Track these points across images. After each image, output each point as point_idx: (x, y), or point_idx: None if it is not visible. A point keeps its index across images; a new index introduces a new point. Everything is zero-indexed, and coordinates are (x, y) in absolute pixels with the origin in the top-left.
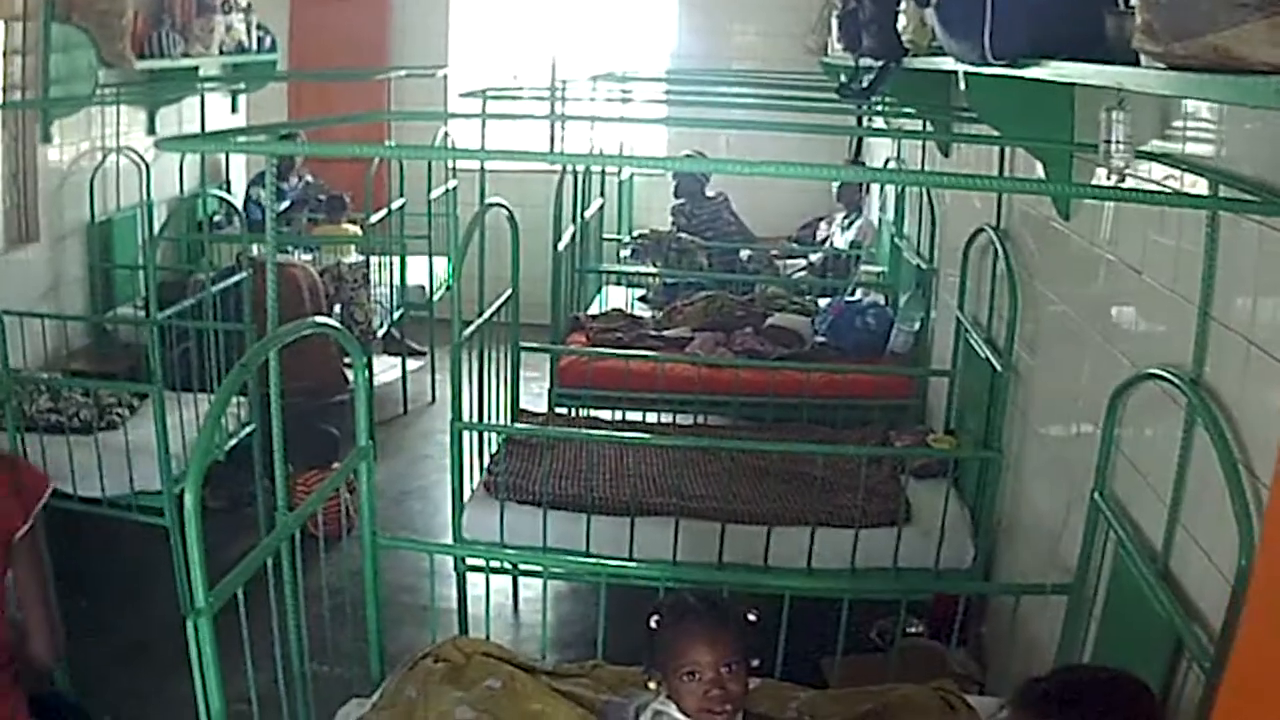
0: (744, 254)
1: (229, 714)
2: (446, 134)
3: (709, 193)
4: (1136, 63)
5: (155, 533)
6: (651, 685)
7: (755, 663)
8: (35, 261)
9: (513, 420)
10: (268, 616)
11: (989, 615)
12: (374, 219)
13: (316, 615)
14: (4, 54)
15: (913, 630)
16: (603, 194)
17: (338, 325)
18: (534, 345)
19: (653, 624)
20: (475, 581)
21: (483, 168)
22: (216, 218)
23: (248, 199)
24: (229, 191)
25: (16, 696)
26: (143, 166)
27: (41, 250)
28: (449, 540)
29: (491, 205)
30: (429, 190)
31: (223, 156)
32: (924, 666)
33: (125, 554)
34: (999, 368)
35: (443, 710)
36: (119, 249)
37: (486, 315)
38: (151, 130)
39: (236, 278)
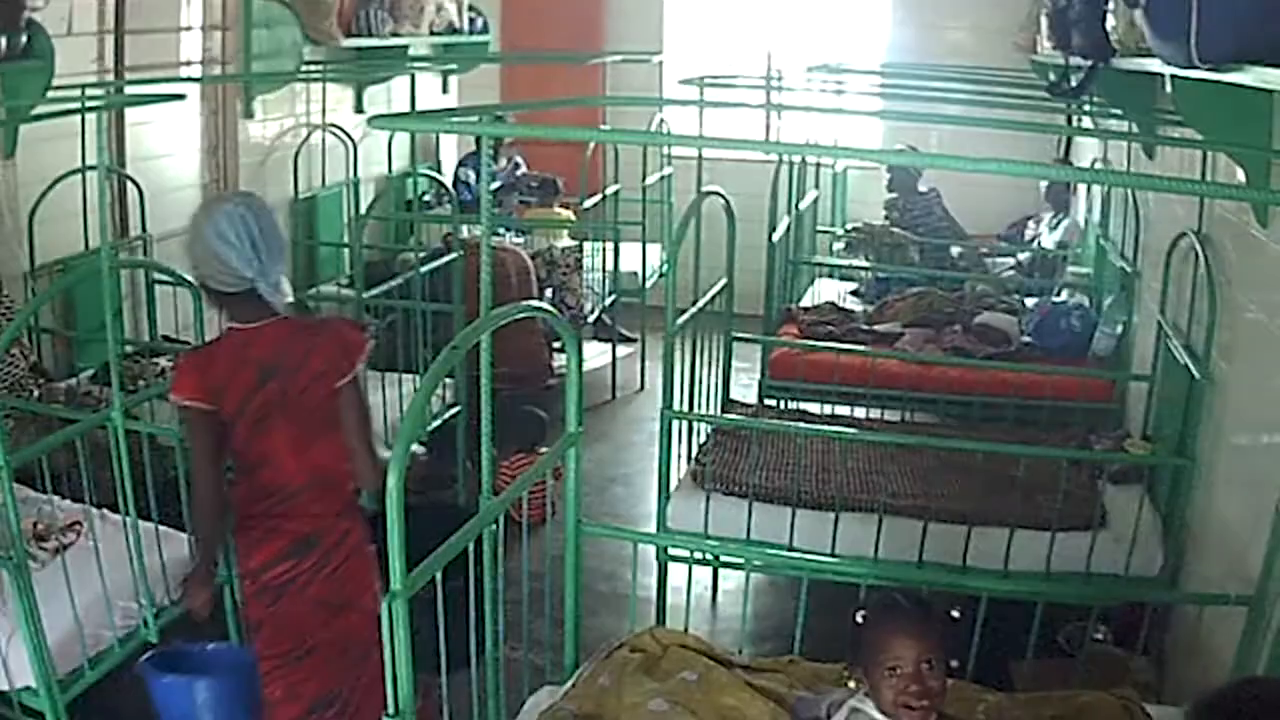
0: (954, 251)
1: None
2: (662, 120)
3: (921, 188)
4: None
5: None
6: (852, 683)
7: (954, 664)
8: None
9: (722, 410)
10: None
11: (1172, 624)
12: (588, 204)
13: (513, 600)
14: (205, 29)
15: (1098, 636)
16: (817, 186)
17: (551, 309)
18: (746, 336)
19: (859, 619)
20: (674, 571)
21: (700, 155)
22: (426, 197)
23: (456, 179)
24: (439, 172)
25: (362, 519)
26: (349, 144)
27: None
28: (651, 529)
29: (709, 194)
30: (644, 177)
31: (433, 137)
32: (1107, 673)
33: None
34: (1197, 375)
35: (636, 701)
36: (322, 226)
37: (701, 304)
38: (359, 108)
39: (446, 259)
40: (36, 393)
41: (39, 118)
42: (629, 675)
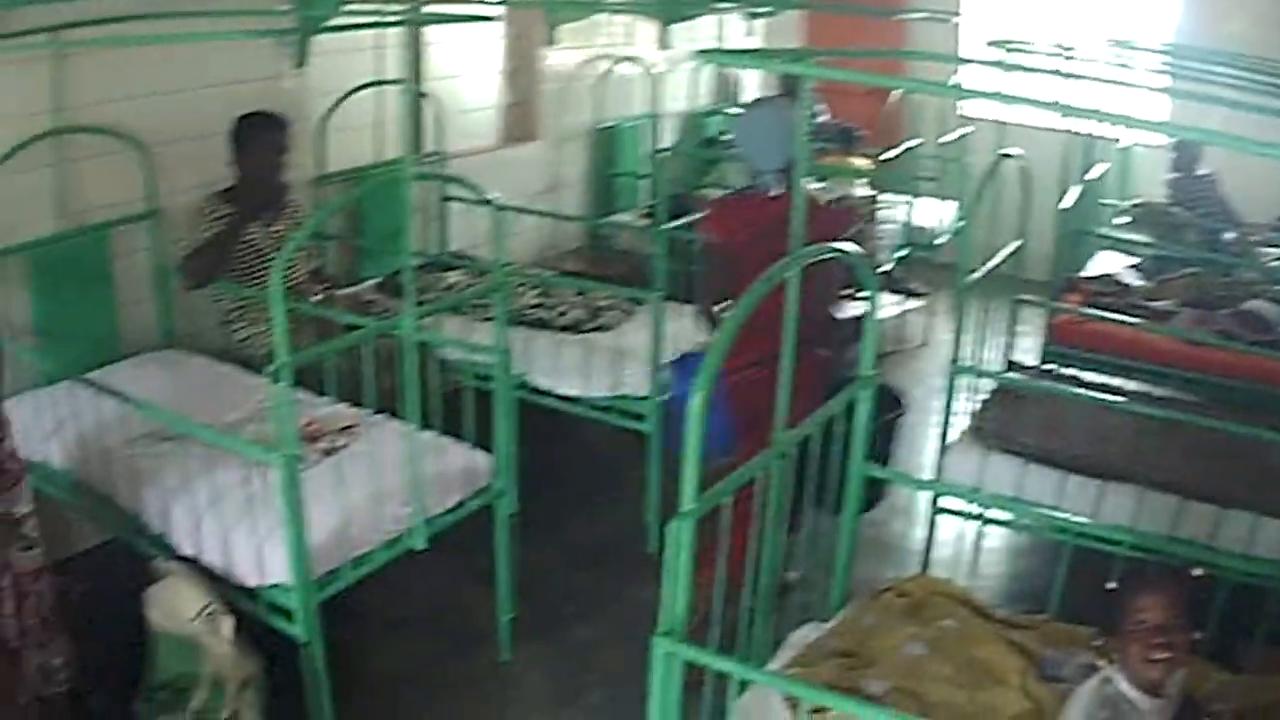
0: (1227, 236)
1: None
2: (958, 82)
3: (1200, 170)
4: None
5: (625, 439)
6: (1095, 643)
7: (1196, 635)
8: (534, 160)
9: (1005, 370)
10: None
11: None
12: (886, 156)
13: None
14: None
15: None
16: (1104, 160)
17: (859, 252)
18: (1034, 299)
19: (1113, 586)
20: (943, 524)
21: (998, 118)
22: (725, 136)
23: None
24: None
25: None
26: (651, 78)
27: (541, 150)
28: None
29: (1006, 156)
30: (940, 135)
31: (731, 78)
32: None
33: (594, 456)
34: None
35: (894, 643)
36: (620, 157)
37: (994, 264)
38: (664, 44)
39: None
40: (318, 297)
41: (345, 28)
42: (892, 618)
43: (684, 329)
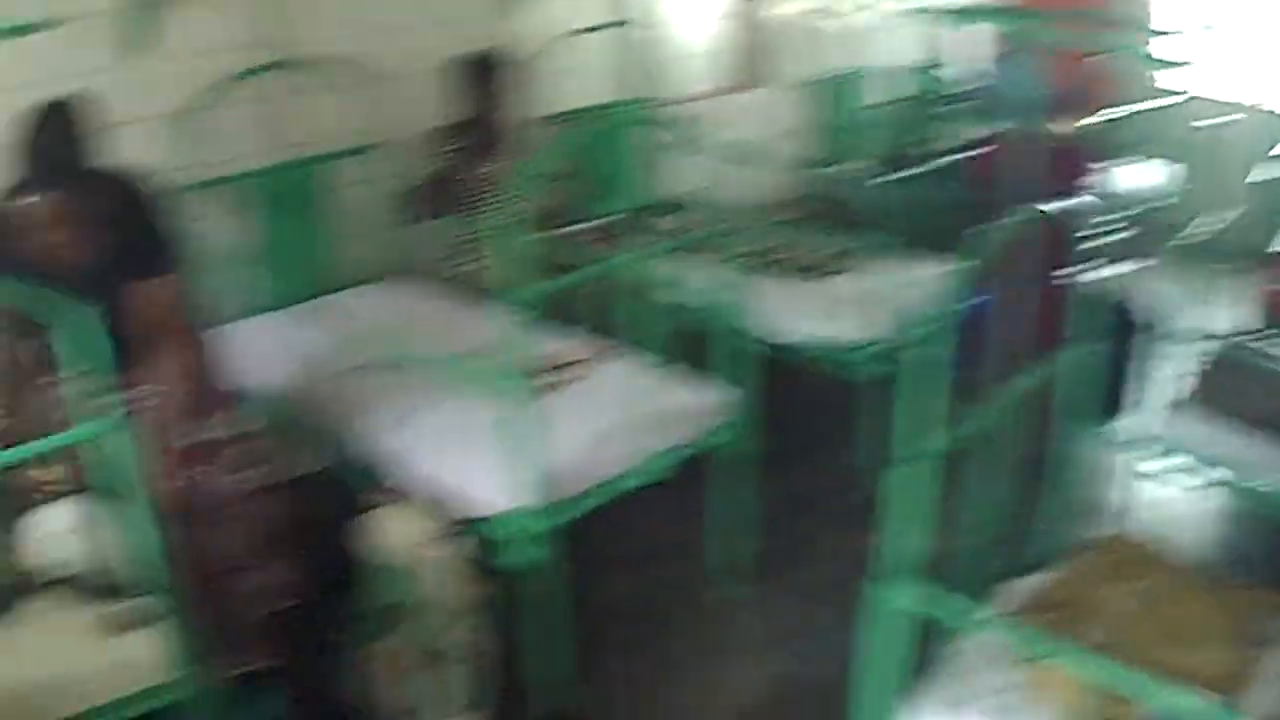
0: None
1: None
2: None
3: None
4: None
5: (849, 385)
6: None
7: None
8: (756, 108)
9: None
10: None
11: None
12: (1098, 120)
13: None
14: None
15: None
16: None
17: (1074, 211)
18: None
19: None
20: (1155, 484)
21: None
22: (949, 91)
23: (983, 79)
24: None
25: None
26: (879, 31)
27: (766, 97)
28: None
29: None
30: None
31: (951, 36)
32: None
33: (817, 401)
34: None
35: (1107, 596)
36: (840, 108)
37: (1210, 229)
38: None
39: (974, 152)
40: (548, 233)
41: None
42: (1106, 573)
43: (906, 278)
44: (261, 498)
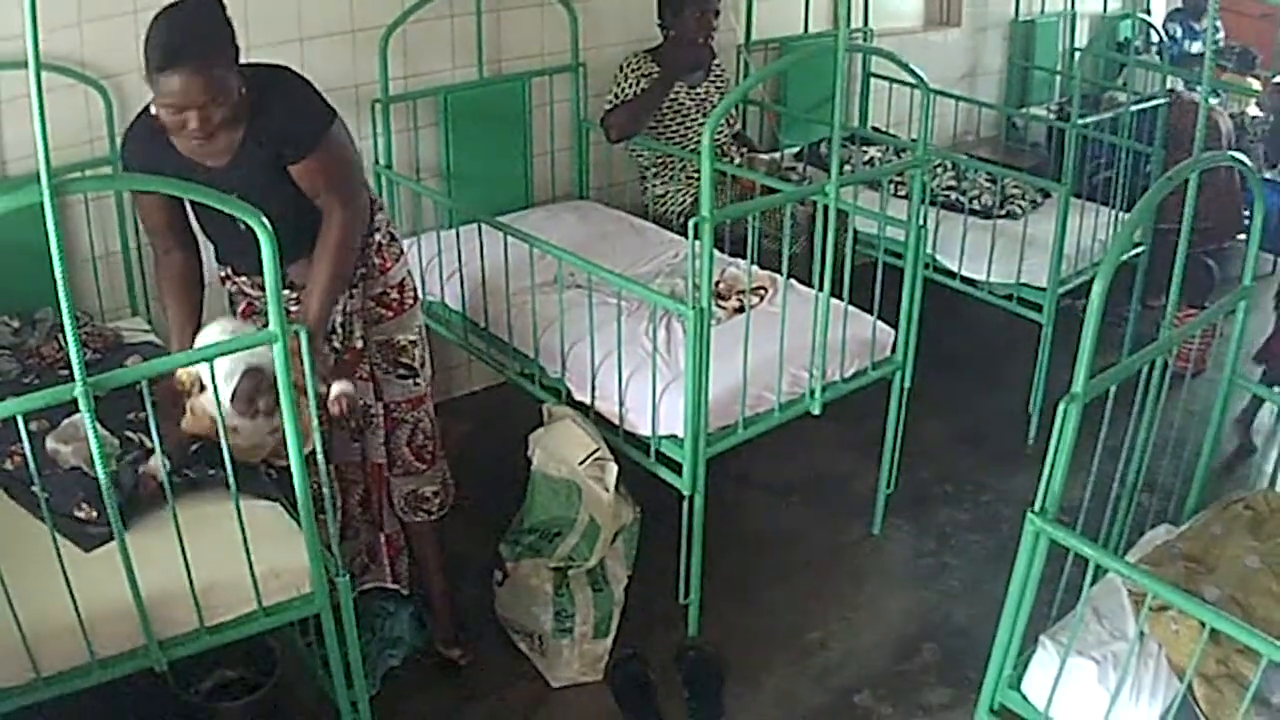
0: None
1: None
2: None
3: None
4: None
5: (1020, 326)
6: None
7: None
8: (954, 46)
9: None
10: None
11: None
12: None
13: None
14: None
15: None
16: None
17: (1247, 164)
18: None
19: None
20: None
21: None
22: (1136, 42)
23: (1165, 30)
24: (1149, 16)
25: None
26: None
27: (961, 37)
28: None
29: None
30: None
31: None
32: None
33: (988, 341)
34: None
35: (1234, 554)
36: (1038, 51)
37: None
38: None
39: (1156, 103)
40: (738, 160)
41: None
42: (1237, 528)
43: (1088, 224)
44: (422, 405)
